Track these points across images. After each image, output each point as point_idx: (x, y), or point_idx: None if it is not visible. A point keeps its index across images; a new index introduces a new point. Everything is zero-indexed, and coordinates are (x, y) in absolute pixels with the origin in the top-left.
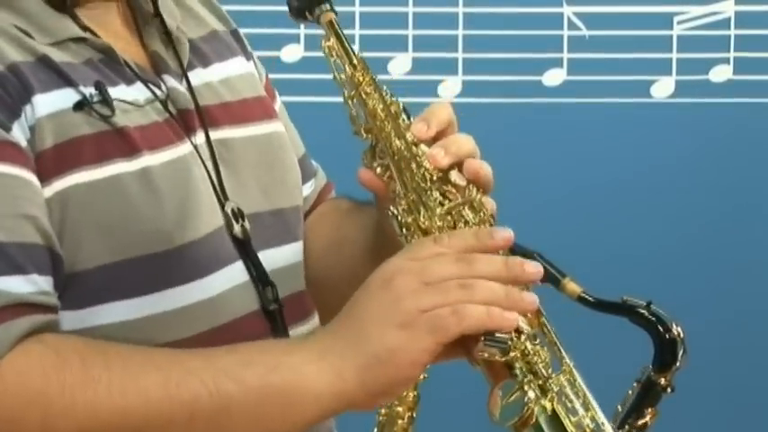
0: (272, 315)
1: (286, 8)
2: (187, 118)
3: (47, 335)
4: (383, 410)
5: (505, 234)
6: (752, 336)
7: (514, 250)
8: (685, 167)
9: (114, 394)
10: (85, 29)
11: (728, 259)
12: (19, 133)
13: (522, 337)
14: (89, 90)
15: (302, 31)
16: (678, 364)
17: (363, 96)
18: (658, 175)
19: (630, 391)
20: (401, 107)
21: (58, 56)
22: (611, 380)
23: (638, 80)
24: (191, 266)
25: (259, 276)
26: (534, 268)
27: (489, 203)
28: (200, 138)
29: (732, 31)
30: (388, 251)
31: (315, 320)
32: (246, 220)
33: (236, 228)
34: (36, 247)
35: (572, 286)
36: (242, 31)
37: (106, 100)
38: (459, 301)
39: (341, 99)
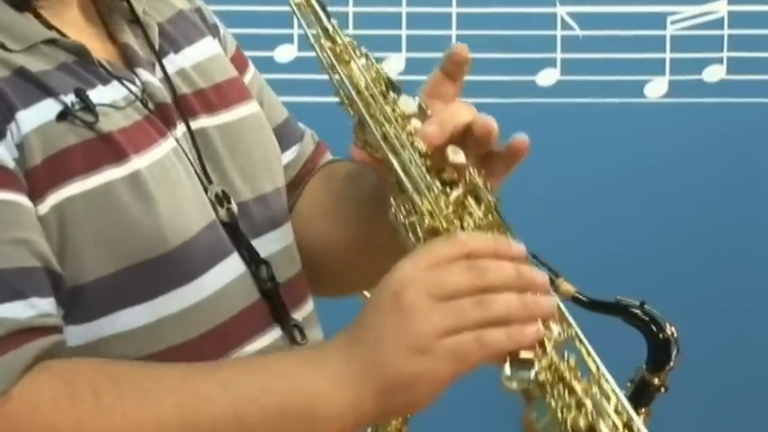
0: (270, 295)
1: (279, 8)
2: (165, 112)
3: (54, 363)
4: None
5: (521, 248)
6: (745, 335)
7: None
8: (679, 167)
9: (130, 425)
10: (50, 27)
11: (723, 259)
12: (6, 154)
13: (548, 348)
14: (69, 98)
15: (295, 31)
16: (672, 363)
17: (341, 70)
18: (652, 175)
19: (624, 391)
20: (384, 78)
21: (32, 64)
22: None
23: (632, 80)
24: (188, 266)
25: (252, 258)
26: (543, 278)
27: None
28: (179, 130)
29: (725, 31)
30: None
31: (309, 305)
32: (233, 203)
33: (222, 212)
34: (33, 271)
35: (566, 286)
36: (235, 31)
37: (88, 106)
38: (477, 323)
39: (334, 99)
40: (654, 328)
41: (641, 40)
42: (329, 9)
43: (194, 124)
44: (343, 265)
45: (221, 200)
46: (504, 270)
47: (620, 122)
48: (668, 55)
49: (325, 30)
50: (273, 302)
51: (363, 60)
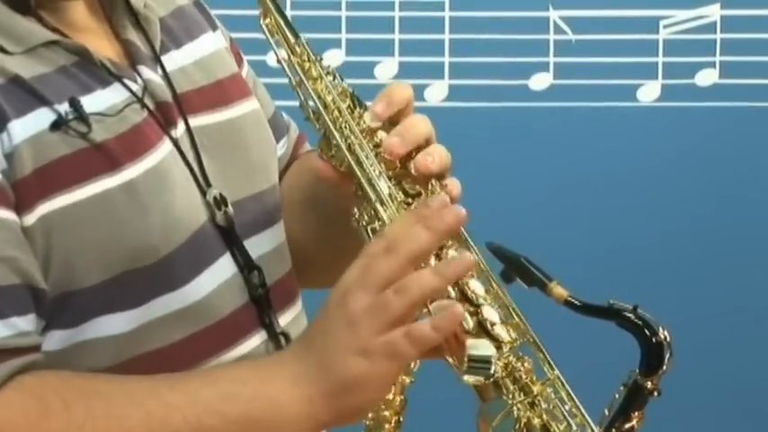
0: (259, 301)
1: None
2: (166, 111)
3: (26, 379)
4: (370, 414)
5: (442, 198)
6: (738, 339)
7: (502, 255)
8: (672, 171)
9: None
10: (54, 30)
11: (716, 262)
12: None
13: (505, 349)
14: (64, 107)
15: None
16: (665, 367)
17: (309, 86)
18: (645, 180)
19: (617, 395)
20: (350, 94)
21: (29, 69)
22: (600, 383)
23: (625, 84)
24: (178, 273)
25: (245, 262)
26: (460, 263)
27: (455, 188)
28: (180, 128)
29: (718, 35)
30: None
31: (298, 304)
32: (230, 206)
33: (219, 216)
34: (13, 289)
35: (558, 290)
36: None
37: (82, 116)
38: (401, 312)
39: None
40: (647, 331)
41: (634, 44)
42: (320, 14)
43: (195, 122)
44: (312, 262)
45: (219, 203)
46: (414, 234)
47: (612, 126)
48: (661, 59)
49: (294, 48)
50: (262, 307)
51: (330, 78)
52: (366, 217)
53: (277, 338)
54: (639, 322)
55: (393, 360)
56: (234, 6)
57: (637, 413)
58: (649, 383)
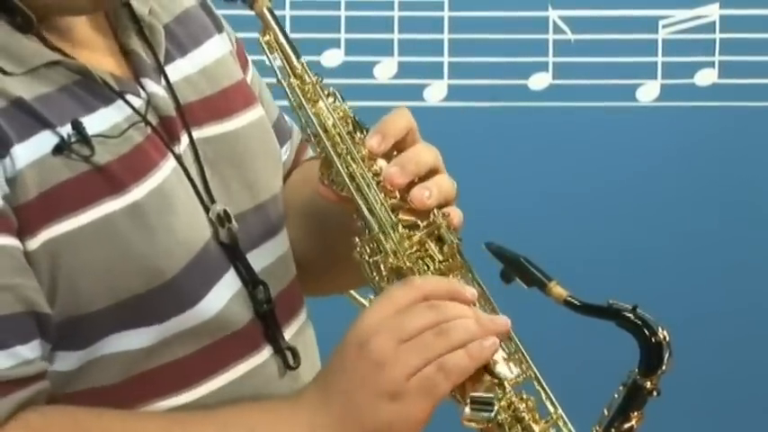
0: (265, 316)
1: (277, 12)
2: (169, 126)
3: (32, 416)
4: None
5: (474, 293)
6: (737, 339)
7: (501, 255)
8: (671, 171)
9: None
10: (55, 49)
11: (716, 262)
12: None
13: (507, 389)
14: (66, 130)
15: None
16: (664, 367)
17: (309, 109)
18: (644, 179)
19: (616, 395)
20: (351, 117)
21: (31, 90)
22: (599, 383)
23: (624, 84)
24: (186, 294)
25: (249, 277)
26: (503, 320)
27: (456, 217)
28: (183, 141)
29: (717, 35)
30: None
31: (303, 314)
32: (233, 222)
33: (222, 233)
34: (16, 317)
35: (558, 290)
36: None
37: (85, 139)
38: (440, 353)
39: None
40: (646, 331)
41: (633, 43)
42: (319, 13)
43: (200, 133)
44: (311, 272)
45: (222, 220)
46: (465, 312)
47: (611, 126)
48: (660, 59)
49: (294, 68)
50: (268, 323)
51: (331, 100)
52: (368, 249)
53: (283, 353)
54: (639, 322)
55: (429, 397)
56: (234, 7)
57: (636, 413)
58: (649, 383)
